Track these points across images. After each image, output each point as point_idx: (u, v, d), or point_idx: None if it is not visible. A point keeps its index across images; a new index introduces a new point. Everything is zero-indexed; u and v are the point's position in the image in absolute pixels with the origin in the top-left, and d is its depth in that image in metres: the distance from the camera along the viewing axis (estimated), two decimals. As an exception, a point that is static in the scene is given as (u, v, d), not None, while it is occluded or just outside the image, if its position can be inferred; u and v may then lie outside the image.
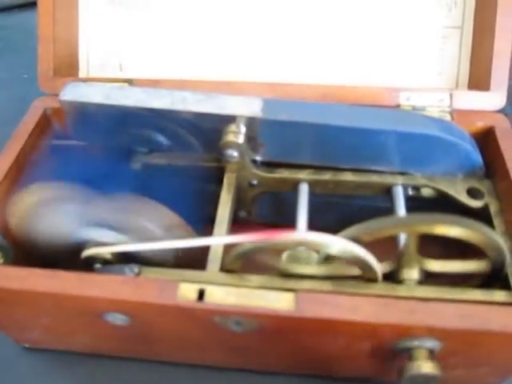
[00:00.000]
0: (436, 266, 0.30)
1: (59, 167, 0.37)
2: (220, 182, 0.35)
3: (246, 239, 0.28)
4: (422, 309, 0.26)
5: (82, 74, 0.43)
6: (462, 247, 0.28)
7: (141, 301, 0.27)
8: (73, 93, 0.34)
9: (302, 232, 0.31)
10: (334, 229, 0.28)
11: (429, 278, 0.30)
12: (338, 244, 0.27)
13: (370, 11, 0.40)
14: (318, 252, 0.30)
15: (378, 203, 0.36)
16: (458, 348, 0.28)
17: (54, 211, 0.32)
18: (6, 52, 0.66)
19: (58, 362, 0.37)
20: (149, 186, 0.33)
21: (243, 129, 0.33)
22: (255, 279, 0.29)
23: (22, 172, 0.35)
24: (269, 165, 0.36)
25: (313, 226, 0.32)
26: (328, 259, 0.30)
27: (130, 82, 0.40)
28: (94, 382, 0.36)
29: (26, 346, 0.37)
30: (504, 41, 0.37)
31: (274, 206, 0.39)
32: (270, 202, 0.39)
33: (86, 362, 0.36)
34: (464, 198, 0.34)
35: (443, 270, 0.30)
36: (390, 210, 0.34)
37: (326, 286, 0.29)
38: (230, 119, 0.33)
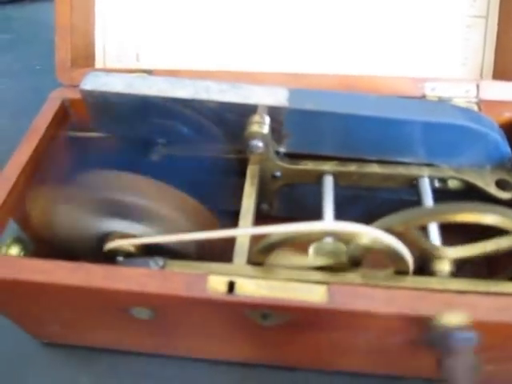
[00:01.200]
0: (465, 251, 0.29)
1: (78, 159, 0.37)
2: (242, 173, 0.34)
3: (276, 230, 0.27)
4: (459, 301, 0.25)
5: (98, 64, 0.42)
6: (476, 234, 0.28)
7: (169, 294, 0.26)
8: (94, 82, 0.34)
9: (334, 222, 0.30)
10: (358, 222, 0.27)
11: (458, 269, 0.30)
12: (370, 234, 0.27)
13: (393, 0, 0.40)
14: (346, 243, 0.29)
15: (403, 196, 0.36)
16: (492, 341, 0.27)
17: (74, 206, 0.31)
18: (18, 43, 0.66)
19: (76, 357, 0.36)
20: (169, 178, 0.32)
21: (267, 119, 0.33)
22: (283, 272, 0.29)
23: (40, 164, 0.35)
24: (292, 156, 0.36)
25: (336, 218, 0.31)
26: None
27: (148, 72, 0.39)
28: (113, 377, 0.35)
29: (45, 341, 0.36)
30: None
31: (295, 199, 0.38)
32: (290, 195, 0.38)
33: (106, 357, 0.36)
34: (493, 190, 0.33)
35: (474, 253, 0.29)
36: (415, 203, 0.33)
37: (357, 278, 0.29)
38: (254, 109, 0.33)
